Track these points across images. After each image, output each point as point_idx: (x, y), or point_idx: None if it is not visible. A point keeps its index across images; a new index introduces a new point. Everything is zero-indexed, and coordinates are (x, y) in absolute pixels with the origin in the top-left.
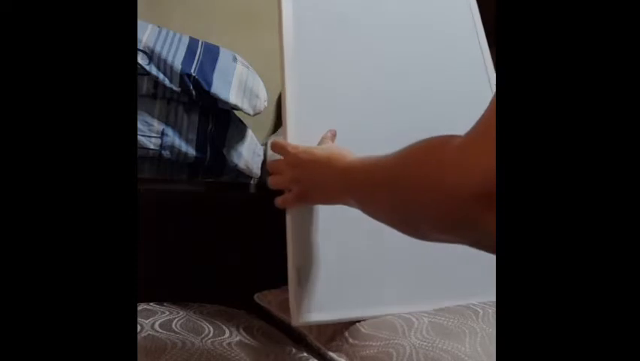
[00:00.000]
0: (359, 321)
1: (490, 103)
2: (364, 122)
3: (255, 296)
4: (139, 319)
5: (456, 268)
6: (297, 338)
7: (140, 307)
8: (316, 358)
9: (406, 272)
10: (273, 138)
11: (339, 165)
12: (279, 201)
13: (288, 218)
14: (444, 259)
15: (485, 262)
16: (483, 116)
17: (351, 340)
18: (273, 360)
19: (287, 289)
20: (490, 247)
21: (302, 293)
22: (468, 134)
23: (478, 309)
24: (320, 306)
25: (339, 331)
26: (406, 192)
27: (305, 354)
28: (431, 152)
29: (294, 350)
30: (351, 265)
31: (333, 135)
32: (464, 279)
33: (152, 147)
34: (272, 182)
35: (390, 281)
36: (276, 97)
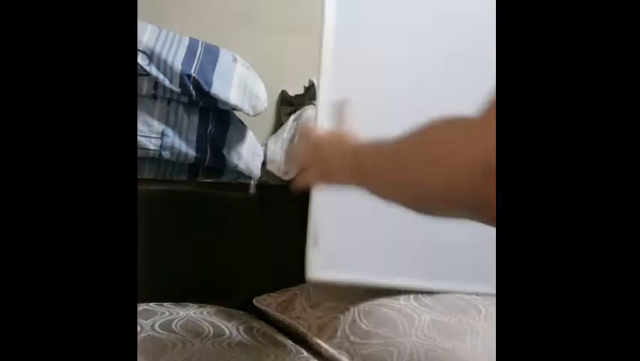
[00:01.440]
0: (359, 313)
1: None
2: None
3: (255, 300)
4: (139, 319)
5: (472, 252)
6: (297, 338)
7: (140, 307)
8: (316, 358)
9: (422, 247)
10: (273, 139)
11: (350, 146)
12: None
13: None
14: (461, 241)
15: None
16: (491, 97)
17: (352, 337)
18: (273, 360)
19: (285, 292)
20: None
21: (319, 252)
22: (478, 113)
23: (481, 307)
24: (334, 266)
25: (339, 328)
26: (419, 167)
27: (305, 354)
28: (443, 129)
29: (293, 350)
30: (370, 232)
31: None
32: (478, 265)
33: (152, 147)
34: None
35: (405, 254)
36: (276, 97)
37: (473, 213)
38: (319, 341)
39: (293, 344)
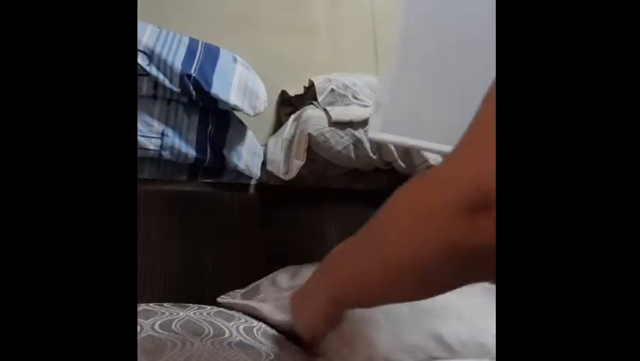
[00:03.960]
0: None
1: (475, 116)
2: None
3: (218, 299)
4: (139, 319)
5: None
6: (259, 317)
7: (140, 307)
8: (275, 331)
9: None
10: (273, 139)
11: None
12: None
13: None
14: None
15: None
16: (466, 130)
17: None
18: (273, 360)
19: (253, 284)
20: (490, 270)
21: (378, 116)
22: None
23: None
24: (392, 130)
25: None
26: (392, 237)
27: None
28: (407, 191)
29: (294, 350)
30: (431, 103)
31: None
32: None
33: (152, 147)
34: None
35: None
36: (276, 97)
37: (461, 269)
38: (277, 318)
39: (293, 344)
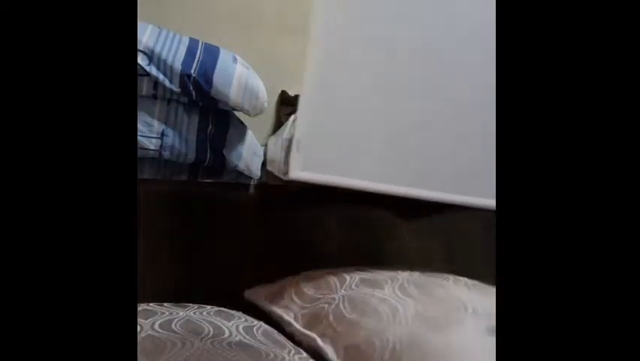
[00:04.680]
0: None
1: None
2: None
3: (245, 293)
4: (139, 319)
5: (443, 161)
6: (283, 327)
7: (140, 307)
8: (300, 347)
9: (406, 156)
10: (273, 139)
11: None
12: None
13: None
14: (443, 151)
15: (466, 163)
16: None
17: (336, 326)
18: (273, 360)
19: (275, 284)
20: None
21: (300, 155)
22: None
23: (468, 306)
24: (313, 169)
25: (324, 317)
26: None
27: (305, 355)
28: None
29: (293, 351)
30: (352, 140)
31: None
32: (446, 173)
33: (152, 147)
34: None
35: (386, 162)
36: (276, 97)
37: None
38: (304, 330)
39: (293, 344)
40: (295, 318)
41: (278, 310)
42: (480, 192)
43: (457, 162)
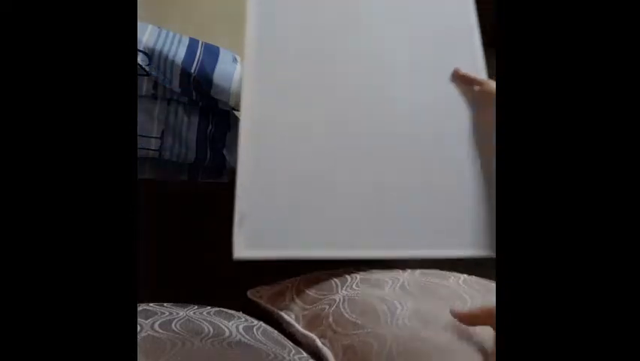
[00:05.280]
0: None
1: None
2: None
3: (249, 292)
4: (139, 319)
5: (413, 220)
6: (283, 328)
7: (140, 307)
8: (300, 347)
9: (358, 217)
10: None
11: None
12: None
13: (239, 154)
14: (402, 208)
15: (442, 219)
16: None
17: (335, 327)
18: (273, 360)
19: (278, 284)
20: None
21: (244, 232)
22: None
23: (467, 297)
24: (260, 245)
25: (324, 318)
26: None
27: (305, 355)
28: None
29: (293, 351)
30: (299, 211)
31: None
32: (421, 231)
33: (152, 147)
34: None
35: (338, 224)
36: None
37: None
38: (304, 331)
39: (293, 344)
40: (296, 319)
41: (279, 311)
42: (458, 243)
43: (428, 217)
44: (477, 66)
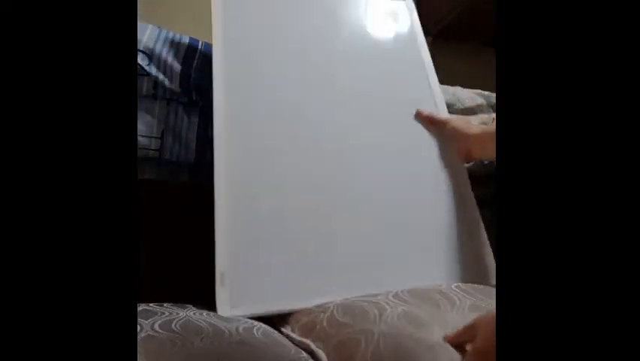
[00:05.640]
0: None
1: None
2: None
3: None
4: (139, 319)
5: (392, 258)
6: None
7: (140, 307)
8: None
9: (336, 266)
10: None
11: None
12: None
13: (216, 218)
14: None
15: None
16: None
17: (328, 329)
18: (273, 360)
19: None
20: None
21: (226, 291)
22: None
23: (456, 299)
24: (244, 302)
25: (318, 323)
26: None
27: (304, 355)
28: None
29: (293, 351)
30: (278, 263)
31: None
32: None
33: (152, 147)
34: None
35: (318, 275)
36: None
37: None
38: (300, 338)
39: (293, 344)
40: (292, 330)
41: (277, 326)
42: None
43: (404, 255)
44: (438, 106)
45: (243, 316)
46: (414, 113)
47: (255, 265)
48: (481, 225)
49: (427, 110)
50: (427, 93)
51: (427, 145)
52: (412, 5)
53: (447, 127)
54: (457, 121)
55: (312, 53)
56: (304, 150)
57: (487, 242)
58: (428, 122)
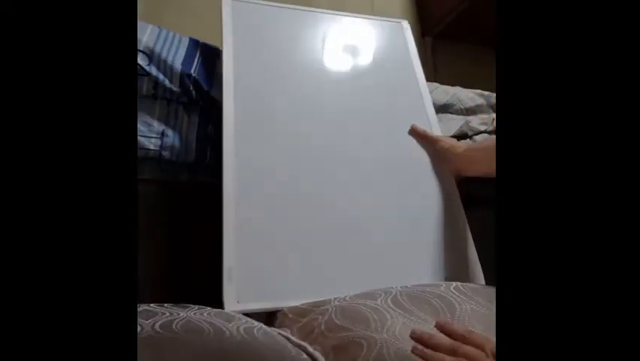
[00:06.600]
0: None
1: None
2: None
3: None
4: (139, 320)
5: (386, 259)
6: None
7: (140, 308)
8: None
9: (343, 266)
10: None
11: None
12: None
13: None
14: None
15: (407, 258)
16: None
17: (326, 332)
18: (274, 360)
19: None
20: None
21: (233, 286)
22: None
23: (456, 305)
24: (250, 298)
25: (316, 326)
26: None
27: (305, 356)
28: None
29: (293, 351)
30: (284, 261)
31: None
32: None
33: (152, 147)
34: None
35: (323, 274)
36: None
37: None
38: (299, 342)
39: (293, 344)
40: (292, 333)
41: (275, 329)
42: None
43: (400, 256)
44: (431, 123)
45: (250, 310)
46: (407, 128)
47: (261, 261)
48: (467, 225)
49: (421, 126)
50: (421, 111)
51: (418, 154)
52: (408, 25)
53: (437, 147)
54: (446, 142)
55: (308, 74)
56: (310, 150)
57: (472, 241)
58: (421, 137)
